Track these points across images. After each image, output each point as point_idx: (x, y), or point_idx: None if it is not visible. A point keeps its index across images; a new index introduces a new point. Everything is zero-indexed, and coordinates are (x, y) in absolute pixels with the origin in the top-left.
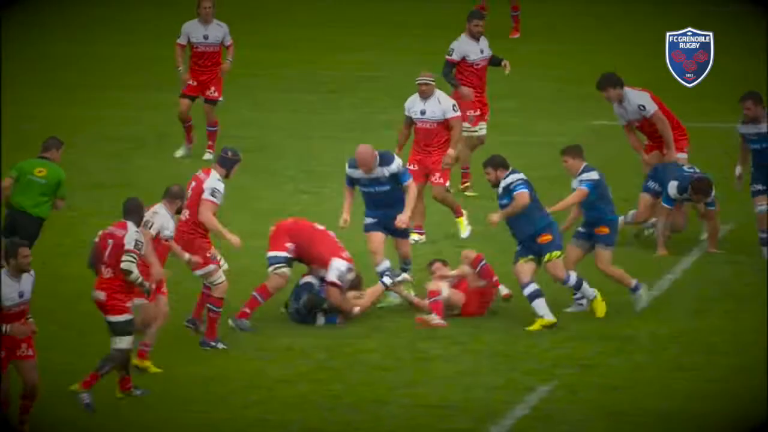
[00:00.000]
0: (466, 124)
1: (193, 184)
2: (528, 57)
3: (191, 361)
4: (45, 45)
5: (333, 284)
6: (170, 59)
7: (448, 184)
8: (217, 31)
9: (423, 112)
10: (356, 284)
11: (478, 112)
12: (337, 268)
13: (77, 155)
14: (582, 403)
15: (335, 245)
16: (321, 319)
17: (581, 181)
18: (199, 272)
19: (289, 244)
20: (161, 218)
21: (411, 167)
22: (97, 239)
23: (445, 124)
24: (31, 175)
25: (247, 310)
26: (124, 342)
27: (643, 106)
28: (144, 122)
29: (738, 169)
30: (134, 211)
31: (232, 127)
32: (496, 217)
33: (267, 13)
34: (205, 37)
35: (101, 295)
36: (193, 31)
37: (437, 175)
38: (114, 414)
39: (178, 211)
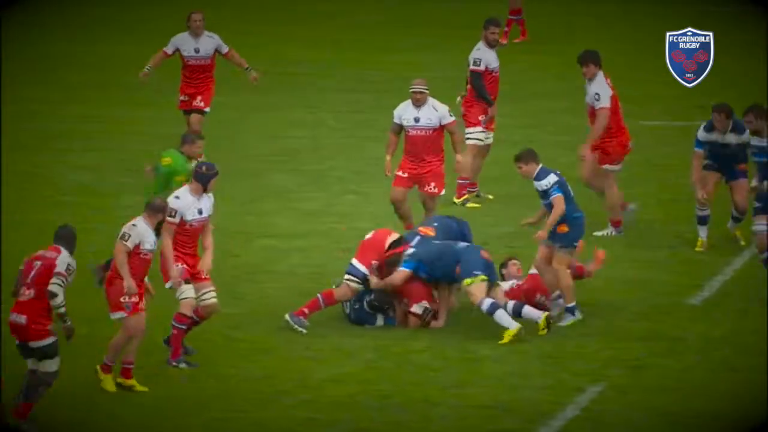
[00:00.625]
0: (478, 129)
1: None
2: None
3: (240, 361)
4: (45, 45)
5: (414, 314)
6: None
7: (443, 192)
8: (208, 44)
9: (417, 120)
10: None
11: (489, 115)
12: (420, 305)
13: (130, 155)
14: (632, 405)
15: (421, 288)
16: (380, 320)
17: (547, 191)
18: (168, 284)
19: (375, 262)
20: (140, 231)
21: (400, 173)
22: (22, 266)
23: (440, 131)
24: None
25: (306, 311)
26: (54, 364)
27: (598, 96)
28: (151, 123)
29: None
30: (66, 239)
31: (282, 127)
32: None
33: (316, 13)
34: (196, 51)
35: (21, 319)
36: (183, 44)
37: (432, 184)
38: (167, 414)
39: (158, 226)
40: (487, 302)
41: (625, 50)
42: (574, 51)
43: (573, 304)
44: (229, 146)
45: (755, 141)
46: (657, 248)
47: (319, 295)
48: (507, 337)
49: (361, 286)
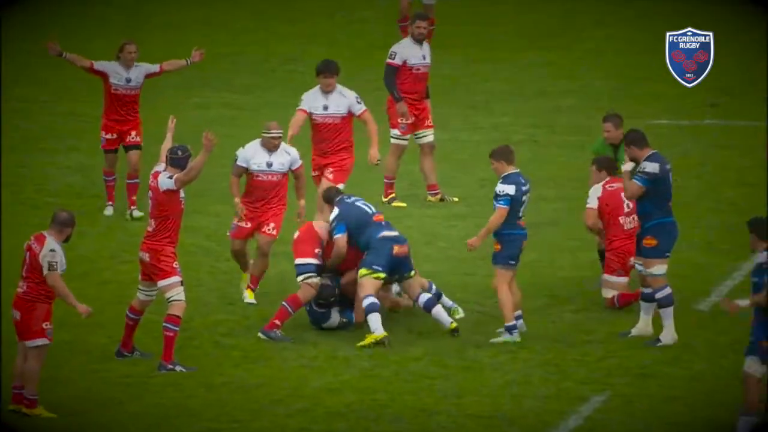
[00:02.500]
0: (395, 132)
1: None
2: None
3: (231, 369)
4: (30, 43)
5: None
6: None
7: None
8: (139, 73)
9: (326, 107)
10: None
11: (410, 120)
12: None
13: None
14: (638, 414)
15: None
16: (335, 316)
17: (497, 196)
18: (161, 283)
19: (317, 250)
20: (60, 254)
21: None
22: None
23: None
24: None
25: (277, 322)
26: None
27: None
28: (184, 122)
29: None
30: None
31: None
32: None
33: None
34: (128, 81)
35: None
36: (113, 72)
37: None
38: (156, 424)
39: (66, 240)
40: (367, 300)
41: (629, 48)
42: (579, 48)
43: (512, 323)
44: (220, 146)
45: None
46: None
47: (284, 302)
48: (367, 340)
49: (318, 278)
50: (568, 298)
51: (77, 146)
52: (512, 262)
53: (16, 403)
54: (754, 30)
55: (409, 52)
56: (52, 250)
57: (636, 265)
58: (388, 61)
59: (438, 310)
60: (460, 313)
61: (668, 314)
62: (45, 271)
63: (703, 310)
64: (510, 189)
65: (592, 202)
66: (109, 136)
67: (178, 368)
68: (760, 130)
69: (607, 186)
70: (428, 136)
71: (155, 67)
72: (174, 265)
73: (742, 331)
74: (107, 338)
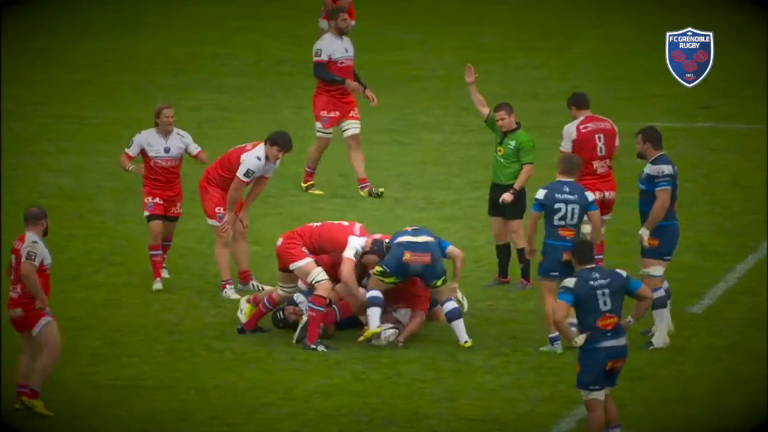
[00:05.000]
0: (318, 124)
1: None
2: (578, 55)
3: (222, 372)
4: (20, 42)
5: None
6: (202, 57)
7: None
8: (180, 143)
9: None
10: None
11: (333, 114)
12: (353, 245)
13: (108, 157)
14: (632, 417)
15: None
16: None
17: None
18: (294, 266)
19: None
20: (41, 247)
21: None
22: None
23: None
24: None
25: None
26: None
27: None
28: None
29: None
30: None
31: (266, 128)
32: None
33: (301, 9)
34: (167, 150)
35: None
36: (149, 147)
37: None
38: (146, 428)
39: (45, 233)
40: (370, 294)
41: (622, 50)
42: (572, 49)
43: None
44: (212, 148)
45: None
46: None
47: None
48: (365, 336)
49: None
50: None
51: (68, 148)
52: (554, 274)
53: (19, 399)
54: (754, 30)
55: (333, 47)
56: (33, 242)
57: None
58: (315, 59)
59: (459, 324)
60: (464, 308)
61: (661, 316)
62: (23, 260)
63: (696, 313)
64: (668, 168)
65: (566, 145)
66: (156, 200)
67: (320, 348)
68: (760, 133)
69: (581, 127)
70: (353, 128)
71: (195, 148)
72: (303, 249)
73: (737, 334)
74: (97, 341)
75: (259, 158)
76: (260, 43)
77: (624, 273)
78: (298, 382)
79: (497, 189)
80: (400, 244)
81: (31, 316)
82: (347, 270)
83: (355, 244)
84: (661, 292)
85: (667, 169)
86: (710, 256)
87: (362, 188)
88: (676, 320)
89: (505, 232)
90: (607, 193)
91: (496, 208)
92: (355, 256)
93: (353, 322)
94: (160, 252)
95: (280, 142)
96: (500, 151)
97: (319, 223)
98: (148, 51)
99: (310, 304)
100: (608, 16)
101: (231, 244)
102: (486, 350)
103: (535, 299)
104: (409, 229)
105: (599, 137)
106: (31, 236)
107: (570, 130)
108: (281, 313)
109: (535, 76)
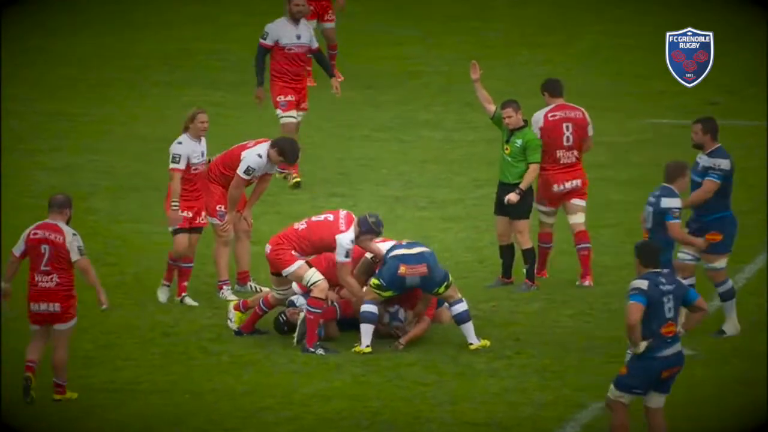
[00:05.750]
0: (278, 111)
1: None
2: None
3: (219, 376)
4: (9, 40)
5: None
6: (197, 53)
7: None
8: (205, 146)
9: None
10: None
11: (290, 98)
12: (341, 245)
13: (102, 155)
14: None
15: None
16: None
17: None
18: (287, 271)
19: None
20: (78, 236)
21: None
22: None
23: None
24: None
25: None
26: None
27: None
28: (171, 121)
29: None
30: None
31: (263, 124)
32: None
33: None
34: (202, 154)
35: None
36: (193, 154)
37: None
38: (139, 431)
39: (68, 222)
40: (365, 308)
41: (628, 45)
42: (576, 45)
43: None
44: (208, 144)
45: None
46: None
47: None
48: (356, 350)
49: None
50: (565, 301)
51: (60, 146)
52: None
53: (57, 393)
54: (754, 30)
55: (282, 32)
56: (74, 234)
57: (685, 260)
58: (260, 41)
59: (468, 326)
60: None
61: (731, 307)
62: (76, 257)
63: None
64: (725, 163)
65: (535, 133)
66: (186, 214)
67: (319, 351)
68: (761, 130)
69: (549, 115)
70: (298, 117)
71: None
72: (293, 253)
73: (745, 337)
74: (91, 344)
75: (260, 156)
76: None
77: (685, 281)
78: (297, 385)
79: (504, 188)
80: (394, 257)
81: (68, 307)
82: (344, 274)
83: (343, 243)
84: (729, 284)
85: (724, 163)
86: None
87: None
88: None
89: (509, 232)
90: (568, 183)
91: (502, 208)
92: (347, 256)
93: (355, 324)
94: (190, 264)
95: (287, 154)
96: (507, 149)
97: (303, 224)
98: (143, 47)
99: (307, 307)
100: (609, 11)
101: (233, 244)
102: (489, 353)
103: (539, 301)
104: (403, 242)
105: (567, 126)
106: (67, 228)
107: (538, 117)
108: (283, 316)
109: (539, 72)
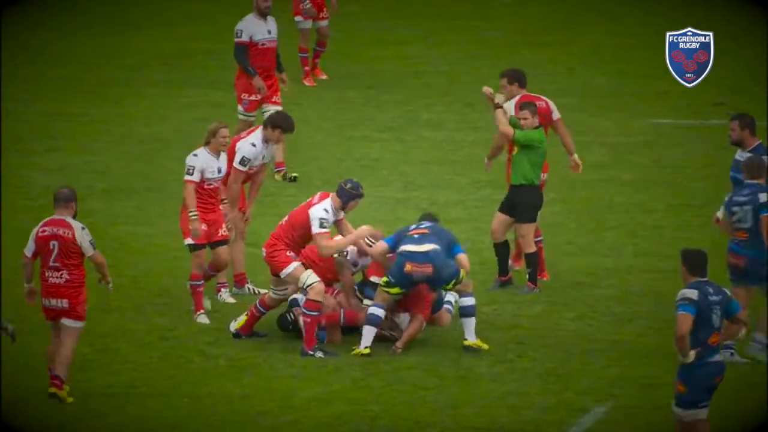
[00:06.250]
0: (239, 108)
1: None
2: (586, 50)
3: (217, 380)
4: (4, 38)
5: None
6: (196, 53)
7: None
8: (223, 160)
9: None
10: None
11: (255, 97)
12: (314, 216)
13: (98, 156)
14: (642, 426)
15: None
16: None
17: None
18: (283, 273)
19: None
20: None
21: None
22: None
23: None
24: None
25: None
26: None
27: None
28: (170, 121)
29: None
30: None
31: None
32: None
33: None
34: (219, 171)
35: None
36: (208, 165)
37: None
38: None
39: (74, 216)
40: (371, 310)
41: (631, 44)
42: (579, 45)
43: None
44: None
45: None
46: (668, 257)
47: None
48: (355, 352)
49: (315, 275)
50: (567, 304)
51: (56, 146)
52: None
53: (53, 386)
54: (754, 30)
55: (254, 29)
56: (83, 228)
57: None
58: (236, 40)
59: (470, 321)
60: None
61: None
62: (90, 251)
63: None
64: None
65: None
66: (203, 227)
67: (318, 354)
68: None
69: (517, 106)
70: (271, 111)
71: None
72: (288, 254)
73: (747, 342)
74: (88, 347)
75: (254, 144)
76: None
77: (727, 291)
78: (296, 389)
79: (515, 190)
80: (401, 253)
81: (76, 304)
82: (321, 241)
83: (316, 214)
84: None
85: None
86: (723, 258)
87: (278, 172)
88: None
89: (503, 230)
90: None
91: (511, 209)
92: (321, 226)
93: (355, 328)
94: (202, 282)
95: (282, 124)
96: (515, 150)
97: (285, 217)
98: (139, 46)
99: (303, 310)
100: (611, 11)
101: (230, 246)
102: (491, 356)
103: (541, 303)
104: (415, 234)
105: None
106: (74, 222)
107: (507, 108)
108: (291, 314)
109: (542, 72)
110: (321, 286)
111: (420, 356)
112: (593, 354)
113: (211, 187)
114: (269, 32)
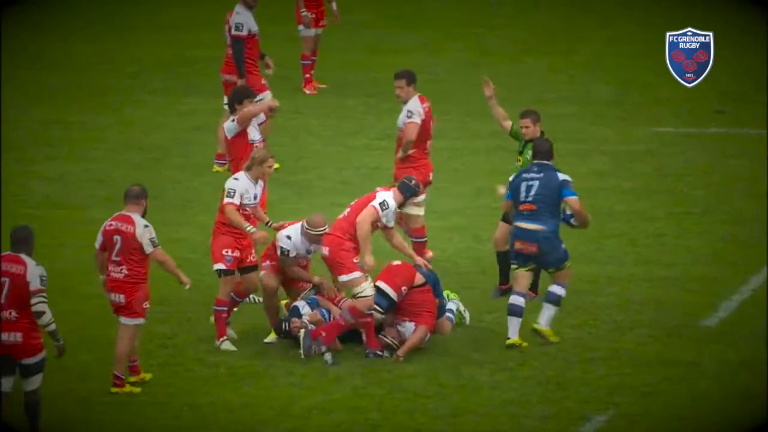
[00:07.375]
0: (224, 99)
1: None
2: (586, 58)
3: (217, 388)
4: (59, 45)
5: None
6: (195, 60)
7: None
8: (260, 188)
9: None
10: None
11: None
12: (380, 198)
13: (97, 164)
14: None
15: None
16: (329, 357)
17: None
18: (343, 278)
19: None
20: (151, 227)
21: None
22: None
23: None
24: None
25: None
26: (38, 381)
27: (410, 113)
28: (169, 129)
29: None
30: (25, 242)
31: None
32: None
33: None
34: (255, 197)
35: (18, 336)
36: (247, 190)
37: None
38: None
39: (144, 213)
40: (511, 300)
41: (631, 52)
42: (579, 53)
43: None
44: (206, 154)
45: None
46: (669, 265)
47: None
48: (509, 342)
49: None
50: (568, 312)
51: (55, 154)
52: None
53: (114, 386)
54: (754, 30)
55: (250, 21)
56: (146, 226)
57: None
58: (236, 33)
59: (551, 309)
60: (466, 321)
61: None
62: (150, 249)
63: (710, 326)
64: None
65: (417, 121)
66: (236, 254)
67: (327, 356)
68: (763, 138)
69: (424, 106)
70: (266, 99)
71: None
72: (353, 261)
73: (751, 349)
74: (88, 355)
75: (236, 179)
76: None
77: None
78: (296, 398)
79: None
80: (513, 231)
81: (132, 300)
82: (366, 222)
83: (382, 195)
84: None
85: None
86: (725, 266)
87: (219, 164)
88: (689, 333)
89: (506, 239)
90: (431, 174)
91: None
92: (382, 208)
93: (354, 336)
94: (227, 308)
95: (241, 92)
96: (519, 160)
97: (346, 210)
98: (139, 53)
99: (343, 312)
100: (612, 18)
101: None
102: (491, 364)
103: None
104: (525, 210)
105: (433, 118)
106: (140, 219)
107: (418, 108)
108: (287, 324)
109: (543, 80)
110: (370, 302)
111: (421, 364)
112: (594, 362)
113: (246, 212)
114: (256, 23)
